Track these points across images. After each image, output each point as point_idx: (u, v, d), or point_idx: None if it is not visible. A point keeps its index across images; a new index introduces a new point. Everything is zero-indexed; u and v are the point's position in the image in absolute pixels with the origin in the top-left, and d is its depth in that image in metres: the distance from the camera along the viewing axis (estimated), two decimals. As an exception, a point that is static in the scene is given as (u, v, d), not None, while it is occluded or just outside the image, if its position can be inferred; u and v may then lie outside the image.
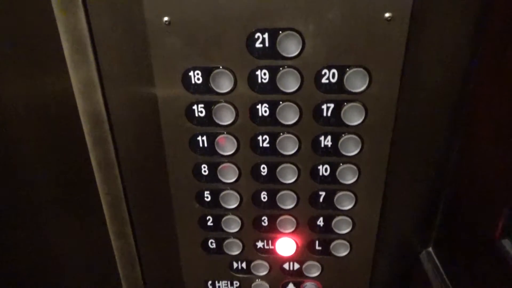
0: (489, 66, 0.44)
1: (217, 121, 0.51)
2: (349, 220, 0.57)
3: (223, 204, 0.57)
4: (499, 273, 0.41)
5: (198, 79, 0.48)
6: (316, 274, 0.63)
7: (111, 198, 0.58)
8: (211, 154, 0.53)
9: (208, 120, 0.51)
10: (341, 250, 0.60)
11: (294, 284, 0.65)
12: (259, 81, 0.48)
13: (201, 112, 0.51)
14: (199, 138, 0.52)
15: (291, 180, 0.55)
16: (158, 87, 0.49)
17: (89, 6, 0.46)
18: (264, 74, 0.48)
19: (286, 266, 0.63)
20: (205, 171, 0.55)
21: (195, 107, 0.50)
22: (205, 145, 0.53)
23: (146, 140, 0.54)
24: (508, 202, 0.40)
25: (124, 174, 0.57)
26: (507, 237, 0.39)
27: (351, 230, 0.58)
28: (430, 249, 0.60)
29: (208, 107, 0.50)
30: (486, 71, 0.44)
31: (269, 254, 0.62)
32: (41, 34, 0.48)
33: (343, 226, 0.58)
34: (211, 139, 0.52)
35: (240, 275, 0.65)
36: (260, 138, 0.52)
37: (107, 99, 0.52)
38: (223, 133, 0.52)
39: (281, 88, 0.48)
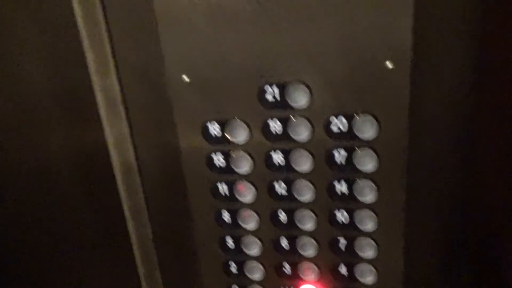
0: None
1: (235, 169, 0.54)
2: (372, 268, 0.56)
3: (245, 250, 0.59)
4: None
5: (216, 130, 0.52)
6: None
7: (141, 243, 0.62)
8: (231, 200, 0.56)
9: (227, 168, 0.54)
10: (367, 299, 0.59)
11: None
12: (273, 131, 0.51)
13: (220, 161, 0.54)
14: (219, 185, 0.56)
15: (309, 226, 0.55)
16: (181, 139, 0.54)
17: (121, 70, 0.52)
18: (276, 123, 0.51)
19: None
20: (226, 218, 0.57)
21: (214, 156, 0.54)
22: (226, 192, 0.56)
23: (171, 188, 0.58)
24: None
25: (152, 220, 0.61)
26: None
27: (377, 280, 0.57)
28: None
29: (227, 156, 0.54)
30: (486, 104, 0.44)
31: (293, 303, 0.62)
32: (80, 95, 0.55)
33: (366, 274, 0.57)
34: (231, 186, 0.55)
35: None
36: (276, 184, 0.54)
37: (137, 150, 0.57)
38: (242, 180, 0.55)
39: (293, 136, 0.51)
